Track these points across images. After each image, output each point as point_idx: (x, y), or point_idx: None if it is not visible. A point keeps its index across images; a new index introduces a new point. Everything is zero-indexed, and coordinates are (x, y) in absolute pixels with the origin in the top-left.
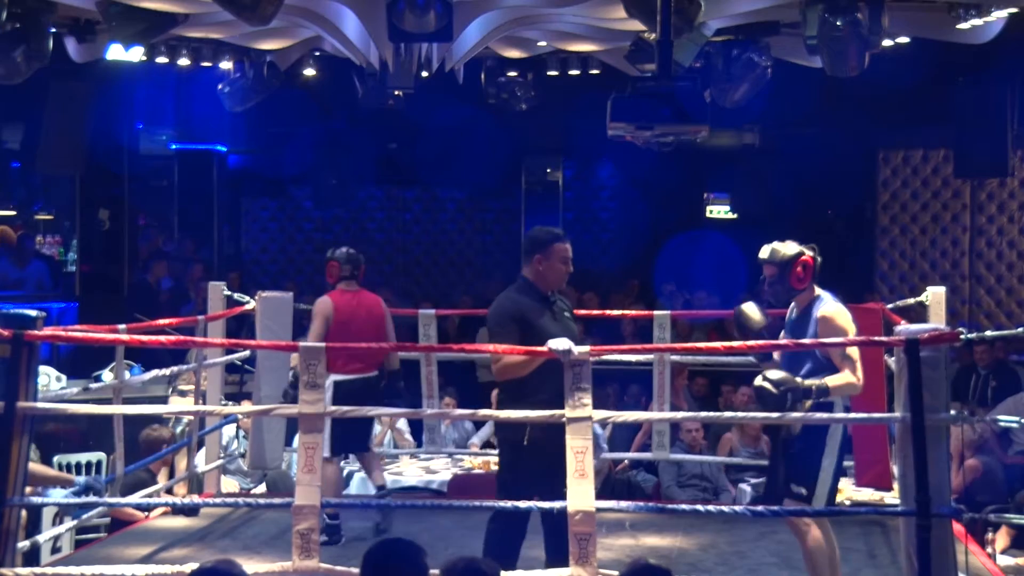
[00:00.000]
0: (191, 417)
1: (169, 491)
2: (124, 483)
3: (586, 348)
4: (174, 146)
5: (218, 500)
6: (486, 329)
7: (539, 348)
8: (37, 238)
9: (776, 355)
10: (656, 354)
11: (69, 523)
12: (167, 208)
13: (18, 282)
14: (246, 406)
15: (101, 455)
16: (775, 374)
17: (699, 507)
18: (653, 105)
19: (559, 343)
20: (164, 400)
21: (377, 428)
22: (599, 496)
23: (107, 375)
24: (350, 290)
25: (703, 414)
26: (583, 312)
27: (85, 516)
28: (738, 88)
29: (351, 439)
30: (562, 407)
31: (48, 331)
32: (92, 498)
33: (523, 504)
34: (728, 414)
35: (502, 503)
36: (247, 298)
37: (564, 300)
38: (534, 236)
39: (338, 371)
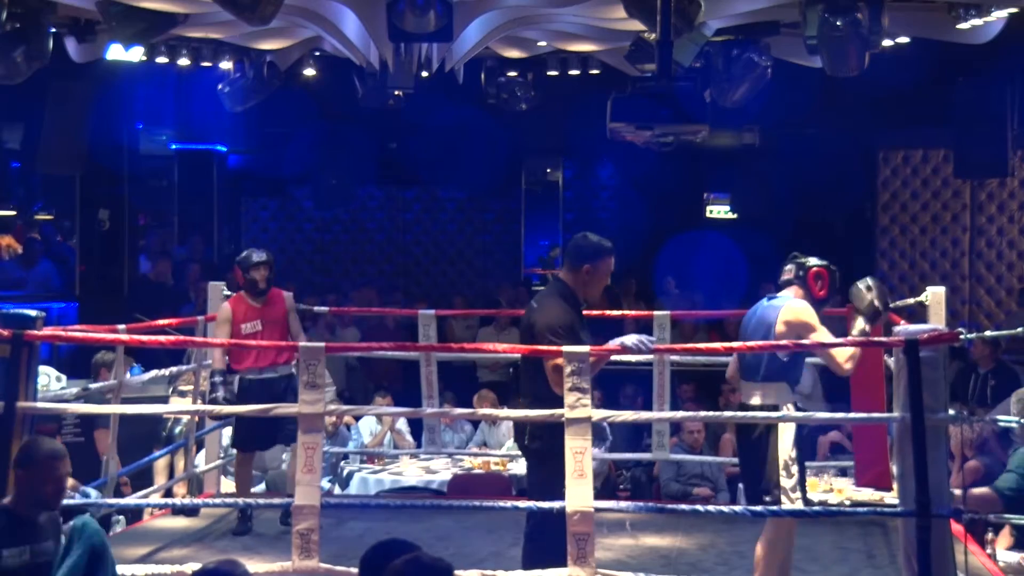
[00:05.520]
0: (189, 417)
1: (169, 491)
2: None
3: (585, 348)
4: (174, 146)
5: (218, 500)
6: (542, 330)
7: (610, 346)
8: (58, 237)
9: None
10: (656, 355)
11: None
12: (167, 208)
13: (20, 281)
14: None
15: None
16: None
17: (699, 507)
18: (653, 105)
19: (630, 339)
20: (164, 400)
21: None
22: (599, 497)
23: None
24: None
25: (703, 413)
26: (585, 312)
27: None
28: (738, 88)
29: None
30: None
31: (48, 331)
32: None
33: (522, 504)
34: (728, 413)
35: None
36: None
37: None
38: (584, 244)
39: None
